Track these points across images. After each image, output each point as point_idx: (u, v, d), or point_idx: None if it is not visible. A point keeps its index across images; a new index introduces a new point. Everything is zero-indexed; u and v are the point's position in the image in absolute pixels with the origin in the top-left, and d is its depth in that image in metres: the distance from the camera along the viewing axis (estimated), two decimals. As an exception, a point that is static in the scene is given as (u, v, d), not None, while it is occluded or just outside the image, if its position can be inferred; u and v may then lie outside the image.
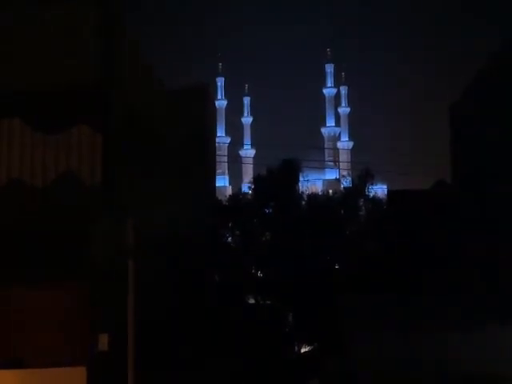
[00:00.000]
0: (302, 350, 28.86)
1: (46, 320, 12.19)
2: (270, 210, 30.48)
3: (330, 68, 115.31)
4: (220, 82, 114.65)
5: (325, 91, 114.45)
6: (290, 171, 30.74)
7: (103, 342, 11.76)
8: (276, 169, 30.78)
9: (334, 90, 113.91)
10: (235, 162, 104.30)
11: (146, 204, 14.40)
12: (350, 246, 28.76)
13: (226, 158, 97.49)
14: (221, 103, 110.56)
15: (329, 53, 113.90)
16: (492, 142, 22.98)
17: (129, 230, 12.11)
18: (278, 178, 30.37)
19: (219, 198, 31.29)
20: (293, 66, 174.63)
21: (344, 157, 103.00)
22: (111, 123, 13.35)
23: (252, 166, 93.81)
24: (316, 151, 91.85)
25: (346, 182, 33.13)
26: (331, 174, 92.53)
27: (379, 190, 38.22)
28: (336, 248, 28.51)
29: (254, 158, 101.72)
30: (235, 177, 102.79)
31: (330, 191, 34.60)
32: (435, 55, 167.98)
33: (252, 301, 28.55)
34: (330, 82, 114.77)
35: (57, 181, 12.47)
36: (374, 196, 31.16)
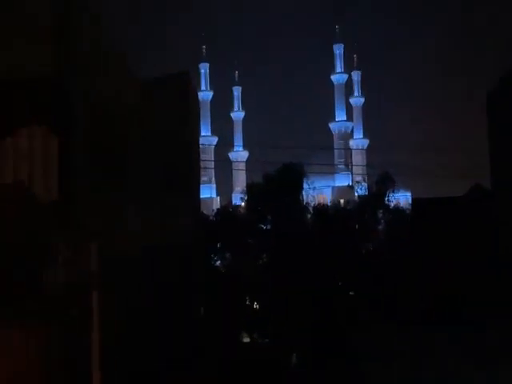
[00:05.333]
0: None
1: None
2: (268, 227, 30.40)
3: (339, 49, 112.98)
4: (204, 68, 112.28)
5: (333, 78, 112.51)
6: (291, 178, 30.66)
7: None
8: (275, 175, 30.77)
9: (345, 77, 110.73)
10: (224, 168, 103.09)
11: (115, 224, 13.97)
12: (367, 270, 28.48)
13: (212, 163, 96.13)
14: (205, 95, 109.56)
15: (337, 31, 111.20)
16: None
17: (92, 256, 11.96)
18: (278, 187, 30.26)
19: (205, 212, 31.17)
20: (294, 50, 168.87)
21: (358, 158, 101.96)
22: (71, 122, 13.09)
23: (245, 171, 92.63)
24: (324, 152, 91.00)
25: (360, 190, 33.11)
26: (343, 180, 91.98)
27: (402, 198, 38.55)
28: (350, 272, 28.34)
29: (246, 162, 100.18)
30: (224, 186, 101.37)
31: (342, 201, 33.90)
32: (467, 32, 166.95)
33: (247, 339, 28.66)
34: (339, 66, 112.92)
35: (4, 195, 11.93)
36: (395, 206, 31.02)
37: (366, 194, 30.91)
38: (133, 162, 15.81)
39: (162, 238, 15.16)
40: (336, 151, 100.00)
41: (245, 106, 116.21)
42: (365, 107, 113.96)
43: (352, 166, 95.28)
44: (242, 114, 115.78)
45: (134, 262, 14.61)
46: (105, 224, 13.28)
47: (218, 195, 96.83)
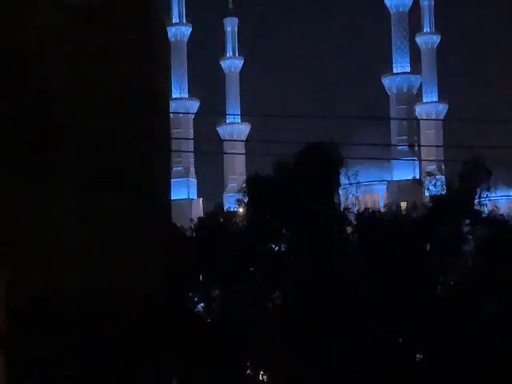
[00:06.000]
0: None
1: None
2: (283, 247, 25.71)
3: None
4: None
5: (389, 2, 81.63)
6: (320, 167, 25.55)
7: None
8: (293, 163, 25.87)
9: (409, 2, 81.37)
10: (212, 152, 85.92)
11: (31, 246, 12.19)
12: (446, 321, 23.22)
13: (191, 144, 76.51)
14: (179, 31, 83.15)
15: None
16: None
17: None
18: (298, 182, 25.24)
19: (178, 223, 27.02)
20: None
21: (430, 136, 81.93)
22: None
23: (244, 157, 75.92)
24: (374, 126, 77.92)
25: (434, 186, 27.82)
26: (405, 171, 76.91)
27: (503, 200, 34.91)
28: (416, 324, 23.18)
29: (246, 141, 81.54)
30: (210, 180, 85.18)
31: (404, 204, 29.87)
32: None
33: None
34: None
35: None
36: (491, 213, 26.60)
37: (444, 193, 26.36)
38: (63, 143, 13.01)
39: (111, 265, 12.59)
40: (394, 124, 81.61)
41: (243, 49, 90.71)
42: (441, 50, 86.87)
43: (420, 147, 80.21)
44: (239, 63, 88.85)
45: (63, 305, 12.57)
46: (18, 246, 11.88)
47: (200, 195, 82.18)
